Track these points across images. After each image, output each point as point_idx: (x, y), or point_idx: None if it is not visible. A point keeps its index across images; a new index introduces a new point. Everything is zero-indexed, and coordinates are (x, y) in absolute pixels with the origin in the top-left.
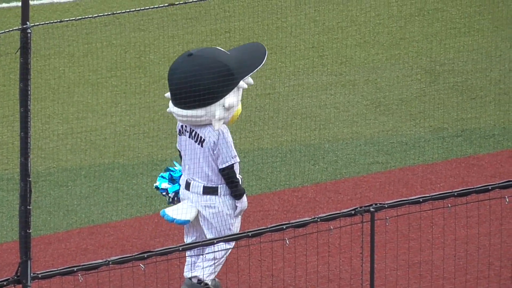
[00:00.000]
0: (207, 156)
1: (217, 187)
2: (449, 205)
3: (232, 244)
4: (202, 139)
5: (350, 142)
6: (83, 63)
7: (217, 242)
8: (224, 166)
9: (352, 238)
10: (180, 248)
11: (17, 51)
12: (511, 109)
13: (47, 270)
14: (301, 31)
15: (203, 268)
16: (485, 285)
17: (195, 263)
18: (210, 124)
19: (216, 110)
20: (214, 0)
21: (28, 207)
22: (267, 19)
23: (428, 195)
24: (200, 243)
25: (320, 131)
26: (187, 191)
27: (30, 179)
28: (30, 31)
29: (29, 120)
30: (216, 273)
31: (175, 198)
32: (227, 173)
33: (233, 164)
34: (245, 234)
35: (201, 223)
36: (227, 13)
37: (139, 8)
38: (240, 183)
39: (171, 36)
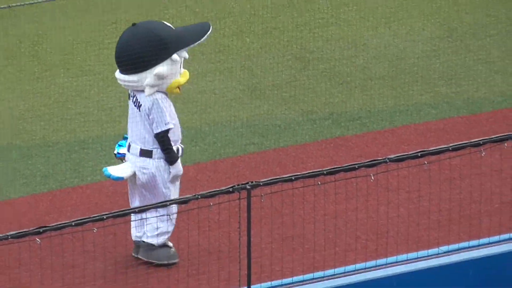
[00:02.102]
0: (143, 120)
1: (152, 150)
2: (319, 183)
3: (174, 208)
4: (140, 103)
5: (228, 124)
6: None
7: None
8: (157, 131)
9: (230, 214)
10: (73, 223)
11: None
12: (375, 93)
13: None
14: (182, 22)
15: (146, 231)
16: (353, 257)
17: (140, 225)
18: None
19: (147, 77)
20: None
21: None
22: (151, 11)
23: (299, 173)
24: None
25: (200, 115)
26: (128, 153)
27: None
28: None
29: None
30: (168, 234)
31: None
32: (160, 138)
33: (165, 130)
34: (132, 210)
35: (138, 185)
36: (113, 6)
37: (33, 2)
38: (180, 151)
39: (62, 27)
